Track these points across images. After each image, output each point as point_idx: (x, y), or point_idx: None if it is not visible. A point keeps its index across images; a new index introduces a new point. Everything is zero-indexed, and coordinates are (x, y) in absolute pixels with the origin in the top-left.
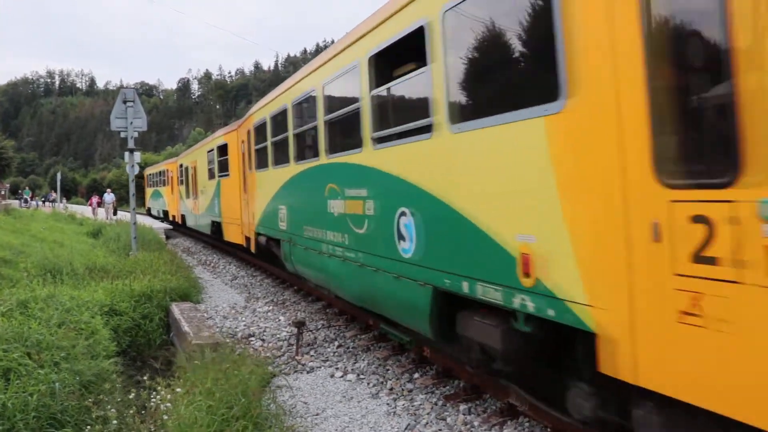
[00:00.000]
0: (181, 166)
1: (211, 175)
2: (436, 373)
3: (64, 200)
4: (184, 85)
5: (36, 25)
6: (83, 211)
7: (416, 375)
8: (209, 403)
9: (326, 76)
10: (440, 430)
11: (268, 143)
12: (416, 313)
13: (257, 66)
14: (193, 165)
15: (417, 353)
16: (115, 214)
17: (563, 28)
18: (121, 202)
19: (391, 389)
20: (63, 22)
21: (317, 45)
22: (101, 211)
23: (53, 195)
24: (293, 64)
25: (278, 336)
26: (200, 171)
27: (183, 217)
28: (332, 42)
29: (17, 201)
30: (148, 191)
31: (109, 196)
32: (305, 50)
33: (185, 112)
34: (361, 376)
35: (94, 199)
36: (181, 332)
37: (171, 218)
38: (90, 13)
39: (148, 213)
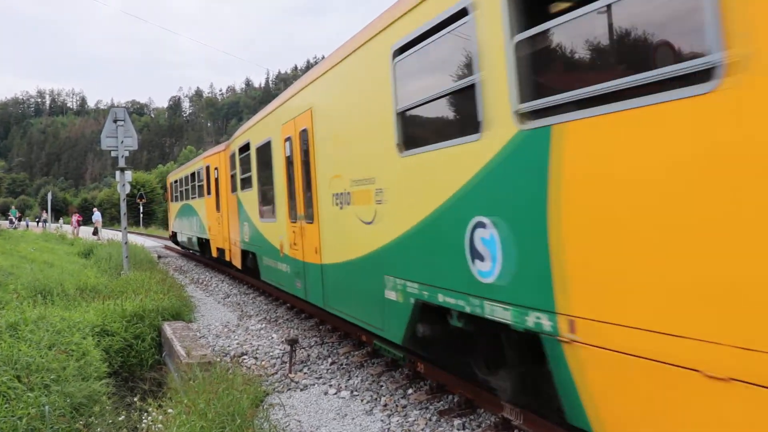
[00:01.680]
0: (241, 151)
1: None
2: (429, 388)
3: (61, 220)
4: (175, 104)
5: (25, 46)
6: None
7: (410, 391)
8: (201, 423)
9: None
10: None
11: None
12: None
13: (248, 83)
14: (290, 131)
15: (410, 369)
16: (95, 233)
17: None
18: (114, 221)
19: (385, 405)
20: (53, 42)
21: (308, 62)
22: (83, 230)
23: (44, 215)
24: (284, 81)
25: (271, 354)
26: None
27: (250, 257)
28: (322, 58)
29: (6, 222)
30: (173, 208)
31: (97, 214)
32: (296, 67)
33: (176, 131)
34: (355, 393)
35: (74, 218)
36: (174, 352)
37: (214, 254)
38: (81, 32)
39: (174, 240)
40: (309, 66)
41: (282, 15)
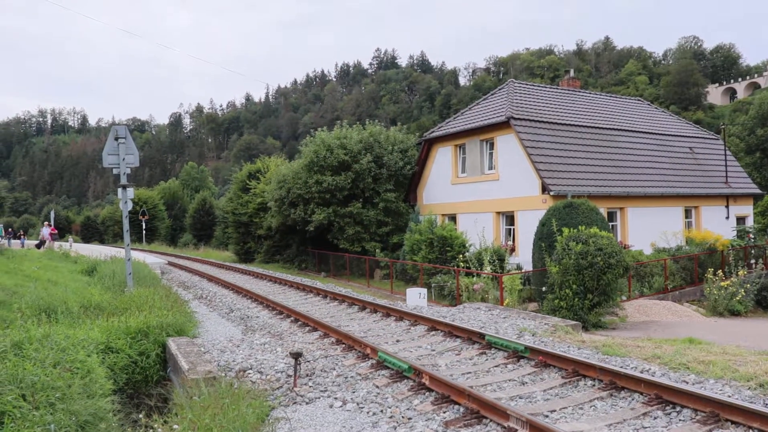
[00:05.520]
0: None
1: None
2: (435, 398)
3: (70, 239)
4: (176, 120)
5: (26, 65)
6: (77, 249)
7: (416, 402)
8: None
9: None
10: None
11: None
12: None
13: (248, 98)
14: None
15: (416, 380)
16: (38, 246)
17: None
18: (117, 238)
19: (391, 417)
20: (53, 62)
21: (307, 75)
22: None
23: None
24: (284, 95)
25: (276, 368)
26: None
27: None
28: (321, 73)
29: (13, 241)
30: None
31: (45, 230)
32: (295, 81)
33: (177, 147)
34: (361, 405)
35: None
36: (178, 368)
37: None
38: (81, 52)
39: None
40: (309, 79)
41: (279, 29)
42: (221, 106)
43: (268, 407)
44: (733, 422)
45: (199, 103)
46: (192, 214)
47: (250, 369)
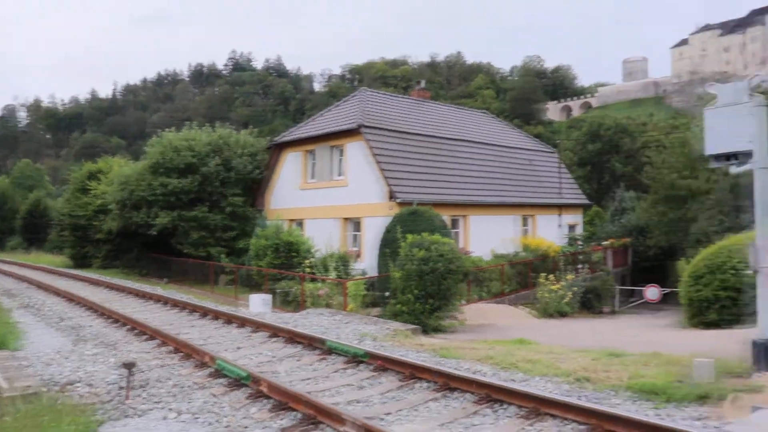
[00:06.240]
0: None
1: None
2: (273, 406)
3: None
4: (10, 113)
5: None
6: None
7: (253, 410)
8: None
9: None
10: None
11: None
12: None
13: (93, 94)
14: None
15: (254, 388)
16: None
17: None
18: None
19: (227, 426)
20: None
21: (158, 74)
22: None
23: None
24: (132, 92)
25: (107, 380)
26: None
27: None
28: (173, 72)
29: None
30: None
31: None
32: (145, 79)
33: (10, 142)
34: (196, 415)
35: None
36: None
37: None
38: None
39: None
40: (160, 78)
41: (131, 23)
42: (63, 100)
43: (96, 422)
44: (551, 415)
45: (37, 96)
46: (23, 215)
47: (79, 382)
